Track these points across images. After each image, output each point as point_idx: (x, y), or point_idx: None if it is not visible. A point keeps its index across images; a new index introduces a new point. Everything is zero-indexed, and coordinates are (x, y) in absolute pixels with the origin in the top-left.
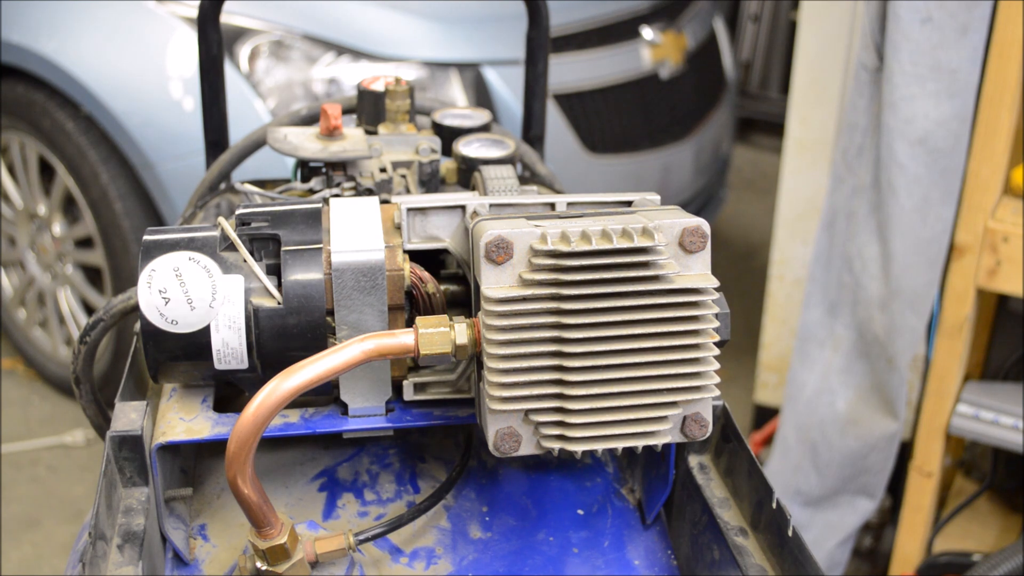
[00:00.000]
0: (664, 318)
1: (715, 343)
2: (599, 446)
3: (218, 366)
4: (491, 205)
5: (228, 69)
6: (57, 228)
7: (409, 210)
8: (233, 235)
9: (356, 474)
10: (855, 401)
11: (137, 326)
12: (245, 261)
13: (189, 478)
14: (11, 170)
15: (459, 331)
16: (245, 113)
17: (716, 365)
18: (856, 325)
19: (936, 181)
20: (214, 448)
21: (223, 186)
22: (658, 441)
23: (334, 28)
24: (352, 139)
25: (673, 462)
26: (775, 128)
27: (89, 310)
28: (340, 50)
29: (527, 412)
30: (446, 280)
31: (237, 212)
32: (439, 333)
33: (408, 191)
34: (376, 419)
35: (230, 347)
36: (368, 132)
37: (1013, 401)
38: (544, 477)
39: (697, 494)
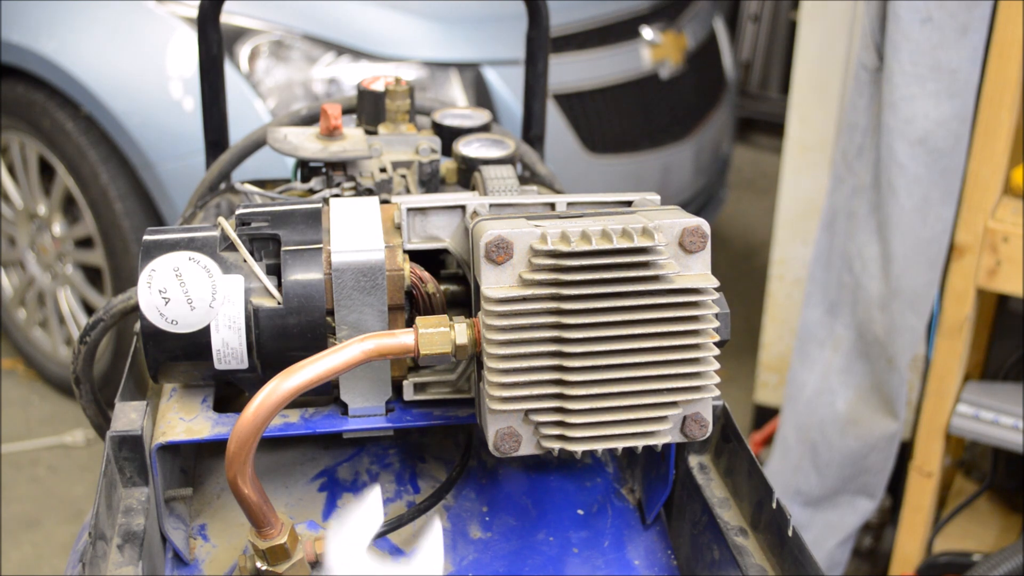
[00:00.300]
0: (664, 318)
1: (715, 343)
2: (599, 446)
3: (218, 366)
4: (491, 205)
5: (228, 69)
6: (57, 228)
7: (409, 210)
8: (233, 235)
9: (356, 474)
10: (855, 401)
11: (137, 326)
12: (245, 261)
13: (189, 478)
14: (11, 170)
15: (459, 331)
16: (245, 113)
17: (716, 365)
18: (856, 325)
19: (936, 181)
20: (214, 448)
21: (223, 186)
22: (658, 441)
23: (334, 28)
24: (352, 139)
25: (673, 462)
26: (775, 128)
27: (89, 310)
28: (340, 50)
29: (527, 412)
30: (446, 280)
31: (237, 212)
32: (439, 333)
33: (408, 191)
34: (376, 419)
35: (230, 347)
36: (368, 132)
37: (1013, 401)
38: (544, 477)
39: (697, 494)
